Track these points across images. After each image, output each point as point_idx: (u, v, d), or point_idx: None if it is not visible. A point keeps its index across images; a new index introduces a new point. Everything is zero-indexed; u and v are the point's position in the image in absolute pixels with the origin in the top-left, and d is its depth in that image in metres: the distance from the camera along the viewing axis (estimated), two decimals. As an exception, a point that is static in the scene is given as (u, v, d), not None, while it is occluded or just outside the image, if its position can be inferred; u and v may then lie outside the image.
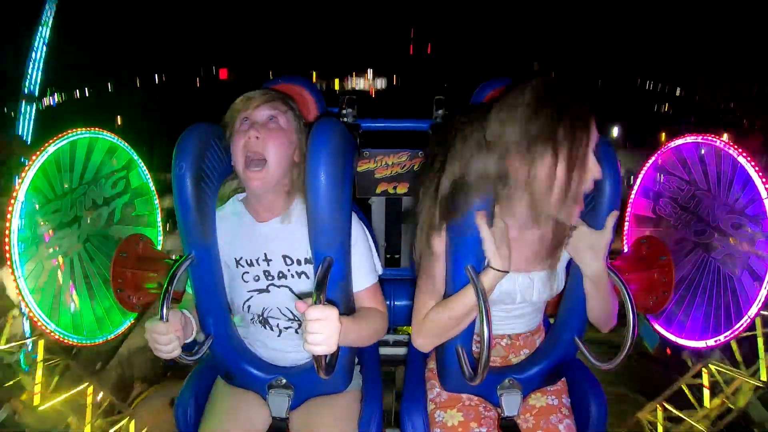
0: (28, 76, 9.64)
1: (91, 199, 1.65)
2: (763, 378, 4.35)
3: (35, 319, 1.44)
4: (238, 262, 1.22)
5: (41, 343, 4.32)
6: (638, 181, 1.78)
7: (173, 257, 1.71)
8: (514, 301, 1.19)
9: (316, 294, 0.97)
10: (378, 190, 1.83)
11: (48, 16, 9.97)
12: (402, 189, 1.83)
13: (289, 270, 1.20)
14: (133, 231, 1.81)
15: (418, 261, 1.18)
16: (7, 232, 1.37)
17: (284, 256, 1.20)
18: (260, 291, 1.22)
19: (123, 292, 1.67)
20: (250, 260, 1.21)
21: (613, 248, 1.23)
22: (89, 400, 4.88)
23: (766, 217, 1.39)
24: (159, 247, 1.89)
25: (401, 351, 1.87)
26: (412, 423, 1.25)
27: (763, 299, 1.39)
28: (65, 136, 1.53)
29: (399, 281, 1.73)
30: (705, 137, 1.53)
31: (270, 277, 1.20)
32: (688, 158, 1.60)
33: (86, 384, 4.82)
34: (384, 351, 1.86)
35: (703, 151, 1.54)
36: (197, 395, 1.33)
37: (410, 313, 1.20)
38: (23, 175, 1.40)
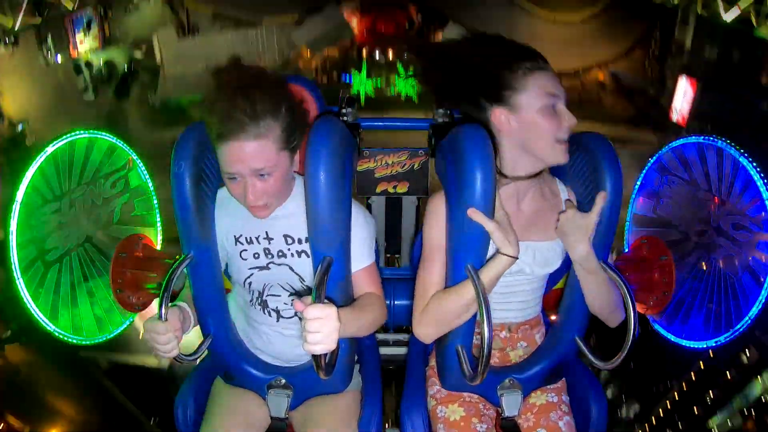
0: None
1: (90, 199, 1.65)
2: None
3: (35, 320, 1.44)
4: (237, 240, 1.22)
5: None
6: (638, 181, 1.78)
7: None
8: (511, 270, 1.18)
9: (315, 293, 0.97)
10: (378, 190, 1.83)
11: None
12: (402, 188, 1.82)
13: (289, 249, 1.21)
14: (133, 231, 1.80)
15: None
16: (6, 233, 1.36)
17: (285, 236, 1.21)
18: (261, 268, 1.22)
19: (122, 293, 1.67)
20: (250, 238, 1.22)
21: (612, 248, 1.23)
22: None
23: (767, 217, 1.38)
24: (159, 247, 1.89)
25: (401, 351, 1.87)
26: (411, 423, 1.26)
27: (763, 300, 1.38)
28: (64, 137, 1.53)
29: (399, 281, 1.73)
30: (706, 137, 1.53)
31: (270, 255, 1.21)
32: (689, 158, 1.60)
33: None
34: (384, 351, 1.86)
35: (704, 151, 1.54)
36: (197, 395, 1.33)
37: (410, 312, 1.20)
38: (22, 175, 1.40)
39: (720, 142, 1.49)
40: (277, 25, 11.79)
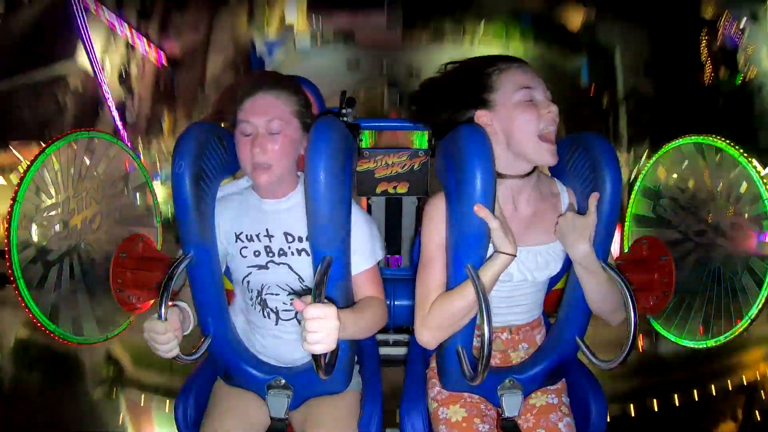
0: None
1: (90, 199, 1.65)
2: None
3: (35, 320, 1.44)
4: (237, 237, 1.23)
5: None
6: (638, 181, 1.78)
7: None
8: (512, 277, 1.18)
9: (315, 293, 0.97)
10: (378, 190, 1.83)
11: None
12: (402, 189, 1.83)
13: (289, 247, 1.22)
14: (133, 232, 1.80)
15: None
16: (6, 233, 1.36)
17: (286, 233, 1.22)
18: (259, 267, 1.23)
19: (123, 293, 1.67)
20: (251, 235, 1.23)
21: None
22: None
23: (766, 217, 1.38)
24: (159, 248, 1.89)
25: (401, 351, 1.87)
26: (411, 423, 1.26)
27: (763, 300, 1.38)
28: (64, 137, 1.53)
29: (399, 281, 1.73)
30: (706, 137, 1.53)
31: (270, 254, 1.22)
32: (689, 158, 1.60)
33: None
34: (384, 351, 1.86)
35: (704, 151, 1.54)
36: (197, 395, 1.33)
37: (410, 313, 1.20)
38: (22, 175, 1.40)
39: (720, 142, 1.49)
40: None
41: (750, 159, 1.42)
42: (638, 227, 1.79)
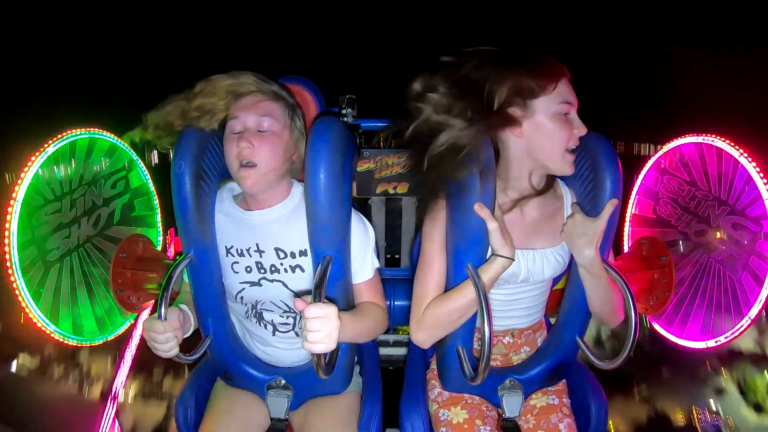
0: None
1: (90, 199, 1.65)
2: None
3: (34, 321, 1.44)
4: (228, 251, 1.19)
5: None
6: (638, 181, 1.78)
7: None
8: (517, 279, 1.18)
9: (316, 292, 0.96)
10: (378, 190, 1.83)
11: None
12: (402, 189, 1.83)
13: (282, 264, 1.17)
14: (133, 232, 1.80)
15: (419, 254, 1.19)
16: (5, 233, 1.36)
17: (277, 249, 1.17)
18: (252, 284, 1.19)
19: (123, 293, 1.66)
20: (241, 250, 1.18)
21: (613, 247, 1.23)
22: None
23: (766, 217, 1.38)
24: (159, 248, 1.89)
25: (401, 351, 1.87)
26: (411, 423, 1.25)
27: (763, 300, 1.38)
28: (65, 137, 1.53)
29: (399, 281, 1.73)
30: (706, 137, 1.53)
31: (263, 270, 1.18)
32: (689, 158, 1.60)
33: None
34: (384, 351, 1.86)
35: (704, 151, 1.54)
36: (197, 395, 1.33)
37: (410, 313, 1.20)
38: (22, 176, 1.40)
39: (720, 142, 1.49)
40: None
41: (750, 159, 1.42)
42: (638, 227, 1.79)
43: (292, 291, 1.18)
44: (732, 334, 1.47)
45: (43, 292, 1.47)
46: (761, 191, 1.39)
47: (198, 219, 1.13)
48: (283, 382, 1.26)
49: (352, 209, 1.18)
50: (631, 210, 1.81)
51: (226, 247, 1.19)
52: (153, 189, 1.92)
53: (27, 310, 1.42)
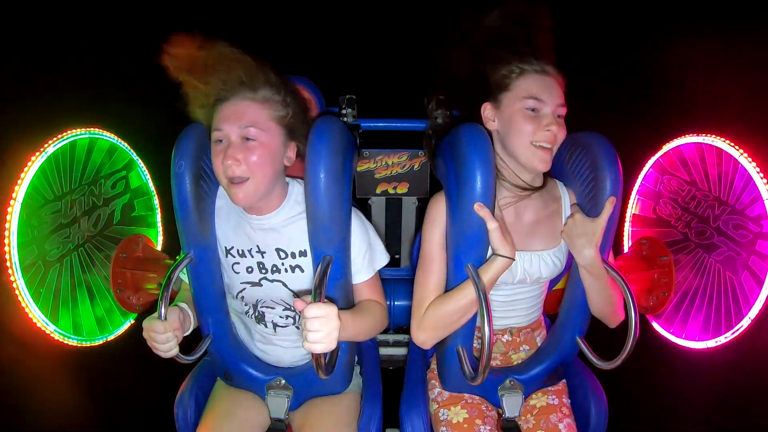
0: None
1: (90, 199, 1.65)
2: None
3: (34, 321, 1.44)
4: (228, 252, 1.19)
5: None
6: (638, 181, 1.78)
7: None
8: (514, 280, 1.18)
9: (316, 292, 0.96)
10: (378, 190, 1.83)
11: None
12: (402, 189, 1.83)
13: (282, 264, 1.17)
14: (133, 232, 1.81)
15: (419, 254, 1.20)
16: (5, 233, 1.36)
17: (278, 249, 1.17)
18: (253, 284, 1.19)
19: (123, 293, 1.67)
20: (242, 251, 1.18)
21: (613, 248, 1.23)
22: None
23: (766, 217, 1.38)
24: (159, 248, 1.89)
25: (401, 351, 1.87)
26: (411, 423, 1.25)
27: (763, 301, 1.38)
28: (65, 137, 1.53)
29: (399, 281, 1.73)
30: (706, 137, 1.53)
31: (264, 270, 1.18)
32: (689, 158, 1.60)
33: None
34: (384, 351, 1.86)
35: (704, 151, 1.54)
36: (197, 395, 1.33)
37: (410, 313, 1.20)
38: (22, 175, 1.40)
39: (720, 142, 1.49)
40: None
41: (750, 159, 1.42)
42: (638, 227, 1.79)
43: (292, 291, 1.18)
44: (732, 334, 1.47)
45: (43, 292, 1.47)
46: (761, 191, 1.39)
47: (198, 219, 1.13)
48: (283, 382, 1.26)
49: (353, 209, 1.18)
50: (631, 210, 1.81)
51: (226, 248, 1.19)
52: (153, 189, 1.92)
53: (27, 310, 1.42)
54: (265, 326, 1.25)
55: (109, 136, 1.70)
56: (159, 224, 1.93)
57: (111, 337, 1.70)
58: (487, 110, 1.16)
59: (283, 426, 1.26)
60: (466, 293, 1.08)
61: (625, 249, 1.79)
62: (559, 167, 1.21)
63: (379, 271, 1.25)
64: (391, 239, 1.97)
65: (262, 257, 1.17)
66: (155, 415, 1.56)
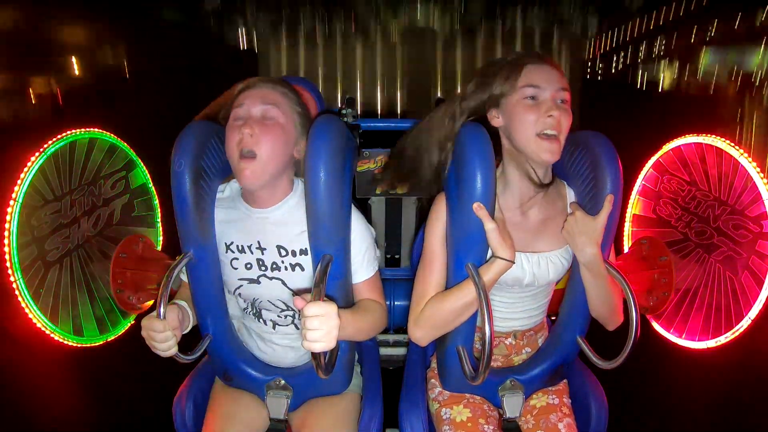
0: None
1: (90, 199, 1.65)
2: None
3: (35, 321, 1.43)
4: (228, 247, 1.19)
5: None
6: (638, 181, 1.78)
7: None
8: (522, 283, 1.18)
9: (315, 291, 0.96)
10: (378, 190, 1.83)
11: None
12: (402, 189, 1.83)
13: (283, 261, 1.17)
14: (133, 232, 1.80)
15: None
16: (5, 234, 1.36)
17: (279, 247, 1.17)
18: (251, 281, 1.19)
19: (123, 293, 1.67)
20: (242, 246, 1.18)
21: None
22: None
23: (766, 217, 1.38)
24: (159, 248, 1.89)
25: (401, 351, 1.87)
26: (411, 423, 1.25)
27: (763, 301, 1.38)
28: (65, 137, 1.53)
29: (399, 281, 1.73)
30: (706, 137, 1.53)
31: (263, 268, 1.18)
32: (689, 158, 1.60)
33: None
34: (384, 351, 1.86)
35: (704, 151, 1.54)
36: (196, 396, 1.33)
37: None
38: (22, 176, 1.40)
39: (720, 142, 1.49)
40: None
41: (750, 159, 1.42)
42: (638, 227, 1.78)
43: (291, 290, 1.18)
44: (732, 334, 1.47)
45: (42, 292, 1.47)
46: (761, 191, 1.39)
47: (197, 218, 1.13)
48: (283, 382, 1.26)
49: (353, 209, 1.18)
50: (631, 210, 1.81)
51: (225, 243, 1.19)
52: (153, 189, 1.92)
53: (27, 310, 1.41)
54: (265, 324, 1.25)
55: (109, 136, 1.70)
56: (159, 224, 1.93)
57: (111, 338, 1.70)
58: (494, 119, 1.16)
59: (282, 426, 1.26)
60: (465, 292, 1.08)
61: (625, 249, 1.79)
62: (559, 166, 1.21)
63: (379, 271, 1.25)
64: (391, 239, 1.97)
65: (262, 254, 1.18)
66: (155, 415, 1.56)
